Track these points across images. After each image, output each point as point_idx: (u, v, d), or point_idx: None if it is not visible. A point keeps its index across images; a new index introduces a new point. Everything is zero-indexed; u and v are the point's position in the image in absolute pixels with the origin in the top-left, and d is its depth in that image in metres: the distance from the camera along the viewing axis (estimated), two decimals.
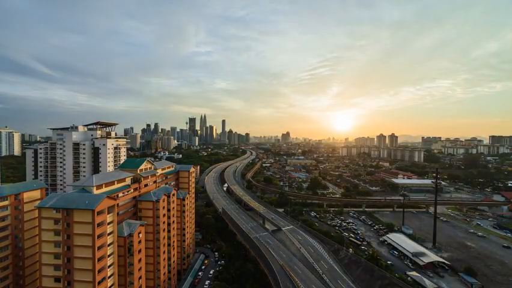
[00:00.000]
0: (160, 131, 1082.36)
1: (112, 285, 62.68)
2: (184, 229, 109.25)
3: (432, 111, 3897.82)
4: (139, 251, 71.58)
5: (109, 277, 61.70)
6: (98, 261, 57.41)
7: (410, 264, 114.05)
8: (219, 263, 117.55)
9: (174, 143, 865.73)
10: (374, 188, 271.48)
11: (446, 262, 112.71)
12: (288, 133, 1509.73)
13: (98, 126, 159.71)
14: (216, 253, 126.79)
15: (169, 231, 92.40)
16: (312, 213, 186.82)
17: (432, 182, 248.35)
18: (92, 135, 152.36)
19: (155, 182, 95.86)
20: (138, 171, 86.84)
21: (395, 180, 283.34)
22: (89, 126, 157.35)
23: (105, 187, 67.83)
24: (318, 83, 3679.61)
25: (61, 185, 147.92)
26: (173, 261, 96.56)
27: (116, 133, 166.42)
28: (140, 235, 72.28)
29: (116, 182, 73.24)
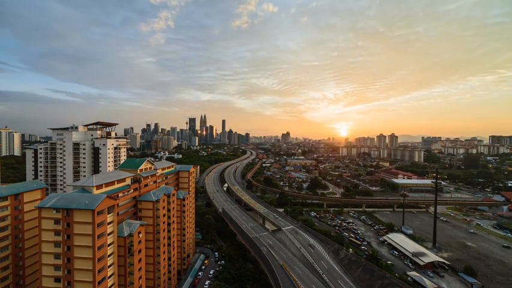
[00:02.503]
0: (160, 131, 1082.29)
1: (112, 285, 62.67)
2: (184, 229, 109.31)
3: (433, 112, 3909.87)
4: (139, 251, 71.57)
5: (109, 277, 61.69)
6: (98, 261, 57.40)
7: (410, 264, 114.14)
8: (219, 263, 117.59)
9: (174, 143, 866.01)
10: (374, 188, 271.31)
11: (446, 262, 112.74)
12: (288, 133, 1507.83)
13: (98, 126, 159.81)
14: (216, 253, 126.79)
15: (169, 231, 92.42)
16: (312, 213, 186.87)
17: (432, 182, 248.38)
18: (92, 135, 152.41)
19: (155, 182, 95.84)
20: (138, 171, 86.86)
21: (395, 180, 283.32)
22: (89, 126, 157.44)
23: (105, 187, 67.82)
24: (324, 87, 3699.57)
25: (61, 185, 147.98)
26: (173, 261, 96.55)
27: (116, 133, 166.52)
28: (140, 235, 72.26)
29: (116, 182, 73.22)
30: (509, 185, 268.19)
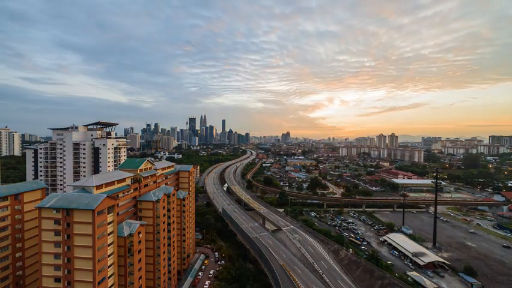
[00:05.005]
0: (160, 131, 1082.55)
1: (112, 285, 62.64)
2: (184, 229, 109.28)
3: (433, 112, 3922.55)
4: (139, 251, 71.54)
5: (109, 277, 61.65)
6: (98, 261, 57.37)
7: (410, 264, 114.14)
8: (219, 263, 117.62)
9: (174, 143, 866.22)
10: (374, 188, 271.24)
11: (446, 262, 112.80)
12: (288, 133, 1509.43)
13: (98, 126, 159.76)
14: (216, 253, 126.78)
15: (169, 231, 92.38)
16: (312, 213, 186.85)
17: (432, 182, 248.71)
18: (92, 135, 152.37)
19: (155, 182, 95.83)
20: (138, 172, 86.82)
21: (395, 180, 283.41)
22: (89, 126, 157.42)
23: (105, 187, 67.79)
24: (327, 91, 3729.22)
25: (61, 185, 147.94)
26: (173, 261, 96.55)
27: (116, 133, 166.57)
28: (140, 235, 72.24)
29: (116, 182, 73.19)
30: (509, 185, 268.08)
